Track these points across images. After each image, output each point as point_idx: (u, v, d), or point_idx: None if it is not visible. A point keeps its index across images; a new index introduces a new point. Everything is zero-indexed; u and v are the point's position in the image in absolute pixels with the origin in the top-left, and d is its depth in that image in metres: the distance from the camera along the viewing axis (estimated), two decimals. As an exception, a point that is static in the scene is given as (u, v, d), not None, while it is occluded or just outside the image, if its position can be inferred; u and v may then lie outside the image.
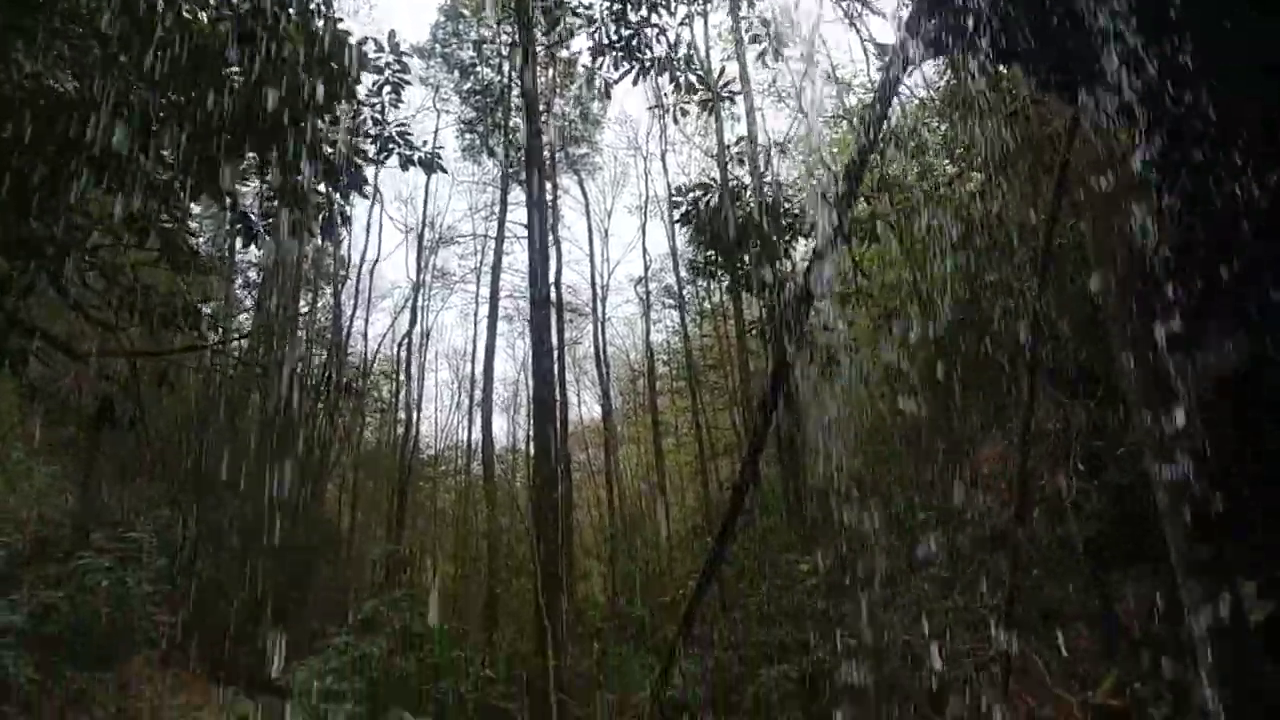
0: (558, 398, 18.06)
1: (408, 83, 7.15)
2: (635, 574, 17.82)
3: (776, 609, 9.70)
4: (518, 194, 23.79)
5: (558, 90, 23.38)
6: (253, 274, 22.98)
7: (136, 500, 15.95)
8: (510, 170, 23.85)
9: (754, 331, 15.56)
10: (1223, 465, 4.98)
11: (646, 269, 28.67)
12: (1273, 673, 4.57)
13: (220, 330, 7.62)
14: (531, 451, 16.94)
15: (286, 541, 18.67)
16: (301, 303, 24.03)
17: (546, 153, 21.52)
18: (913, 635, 8.72)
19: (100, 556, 11.23)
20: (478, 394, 25.78)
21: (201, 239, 17.24)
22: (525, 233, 18.22)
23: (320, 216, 6.71)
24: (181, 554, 15.37)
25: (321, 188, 6.20)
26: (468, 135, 25.37)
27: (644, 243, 28.22)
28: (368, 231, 27.01)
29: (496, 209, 25.46)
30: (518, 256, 26.93)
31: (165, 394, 7.45)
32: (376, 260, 28.00)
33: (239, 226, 6.38)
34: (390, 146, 6.84)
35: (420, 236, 28.23)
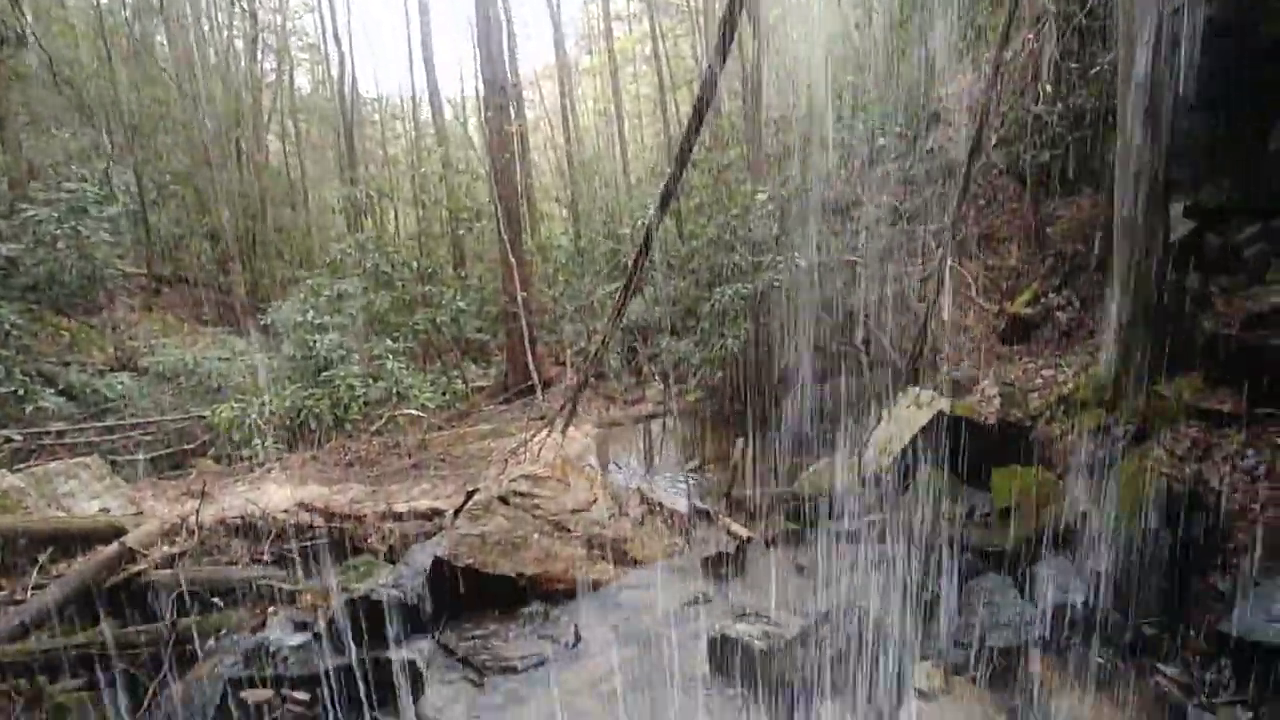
0: (503, 18, 16.28)
1: None
2: (595, 213, 18.09)
3: (733, 236, 10.10)
4: None
5: None
6: None
7: (63, 153, 15.03)
8: None
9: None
10: (1197, 92, 4.84)
11: None
12: (1176, 281, 5.03)
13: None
14: (481, 89, 15.81)
15: (236, 189, 18.24)
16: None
17: None
18: (861, 257, 9.29)
19: (45, 208, 10.90)
20: (415, 28, 23.15)
21: None
22: None
23: None
24: (128, 202, 14.95)
25: None
26: None
27: None
28: None
29: None
30: None
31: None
32: None
33: None
34: None
35: None
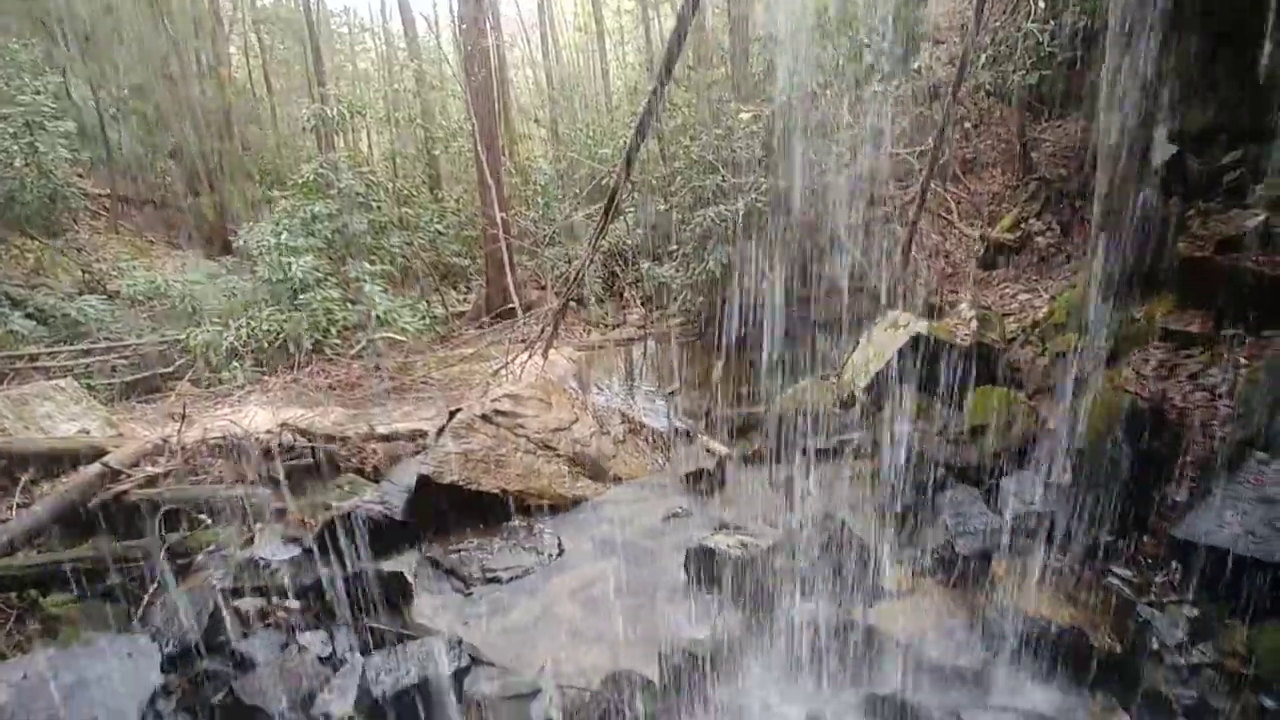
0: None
1: None
2: (575, 134, 17.61)
3: (716, 158, 9.92)
4: None
5: None
6: None
7: (13, 66, 14.25)
8: None
9: None
10: (1185, 13, 4.76)
11: None
12: (1155, 205, 5.04)
13: None
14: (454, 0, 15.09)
15: (200, 105, 17.49)
16: None
17: None
18: (845, 179, 9.20)
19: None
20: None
21: None
22: None
23: None
24: (88, 116, 14.33)
25: None
26: None
27: None
28: None
29: None
30: None
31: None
32: None
33: None
34: None
35: None
